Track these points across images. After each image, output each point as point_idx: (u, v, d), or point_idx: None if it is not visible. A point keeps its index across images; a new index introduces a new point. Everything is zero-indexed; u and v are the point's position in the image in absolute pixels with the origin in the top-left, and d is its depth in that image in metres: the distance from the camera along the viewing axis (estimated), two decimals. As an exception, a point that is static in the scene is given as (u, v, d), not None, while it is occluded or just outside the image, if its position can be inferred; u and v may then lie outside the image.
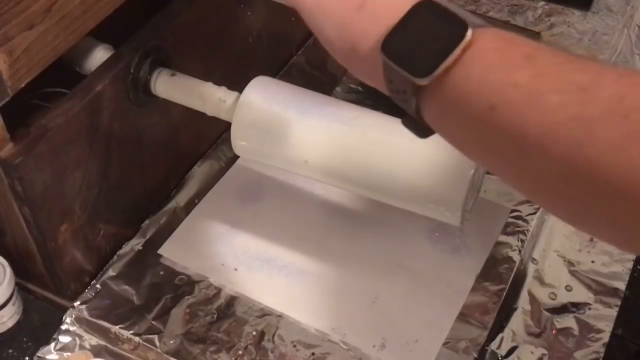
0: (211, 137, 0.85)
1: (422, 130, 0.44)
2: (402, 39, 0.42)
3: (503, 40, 0.40)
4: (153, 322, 0.70)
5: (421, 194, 0.63)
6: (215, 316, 0.71)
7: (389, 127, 0.64)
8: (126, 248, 0.76)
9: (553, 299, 0.75)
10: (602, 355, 0.70)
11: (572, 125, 0.35)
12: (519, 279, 0.76)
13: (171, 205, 0.80)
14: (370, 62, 0.44)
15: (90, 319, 0.70)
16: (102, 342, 0.70)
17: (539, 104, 0.37)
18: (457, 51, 0.39)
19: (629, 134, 0.34)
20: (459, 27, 0.40)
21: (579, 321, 0.73)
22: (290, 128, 0.65)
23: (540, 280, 0.76)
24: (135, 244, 0.76)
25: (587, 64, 0.37)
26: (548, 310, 0.74)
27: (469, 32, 0.39)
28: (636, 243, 0.38)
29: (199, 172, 0.83)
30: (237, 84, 0.68)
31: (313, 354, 0.69)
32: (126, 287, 0.73)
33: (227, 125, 0.68)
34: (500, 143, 0.39)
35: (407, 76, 0.41)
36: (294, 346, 0.69)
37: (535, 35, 0.92)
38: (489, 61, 0.39)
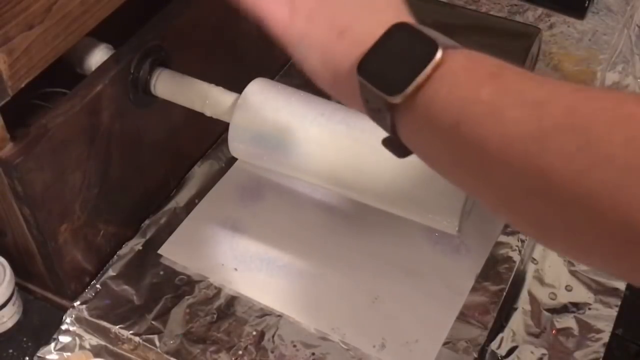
0: (211, 137, 0.85)
1: (399, 149, 0.46)
2: (376, 59, 0.43)
3: (472, 60, 0.42)
4: (153, 322, 0.70)
5: (418, 204, 0.63)
6: (215, 316, 0.71)
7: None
8: (126, 248, 0.76)
9: (553, 299, 0.75)
10: (602, 355, 0.70)
11: (527, 139, 0.37)
12: (519, 279, 0.76)
13: (171, 205, 0.80)
14: (349, 85, 0.45)
15: (90, 319, 0.70)
16: (102, 342, 0.70)
17: (499, 119, 0.38)
18: (428, 70, 0.41)
19: (578, 146, 0.35)
20: (430, 47, 0.41)
21: (579, 321, 0.73)
22: (288, 131, 0.65)
23: (540, 280, 0.76)
24: (135, 244, 0.76)
25: (547, 80, 0.39)
26: (548, 310, 0.74)
27: (439, 52, 0.41)
28: (595, 259, 0.39)
29: (199, 172, 0.83)
30: (237, 85, 0.68)
31: (313, 354, 0.69)
32: (126, 287, 0.73)
33: (227, 126, 0.68)
34: (465, 157, 0.41)
35: (380, 95, 0.42)
36: (294, 346, 0.69)
37: (536, 30, 0.92)
38: (457, 79, 0.41)
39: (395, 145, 0.46)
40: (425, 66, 0.41)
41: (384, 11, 0.46)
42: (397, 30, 0.43)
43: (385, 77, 0.42)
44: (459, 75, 0.41)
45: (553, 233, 0.39)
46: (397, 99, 0.42)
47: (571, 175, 0.35)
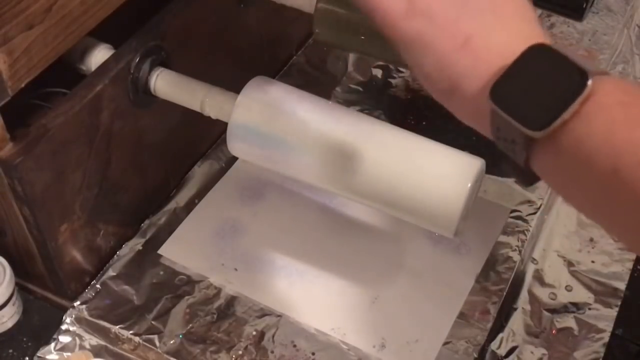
0: (211, 137, 0.85)
1: (528, 179, 0.42)
2: (513, 86, 0.39)
3: (626, 93, 0.37)
4: (153, 322, 0.70)
5: (416, 208, 0.63)
6: (215, 316, 0.71)
7: (386, 136, 0.64)
8: (126, 248, 0.76)
9: (553, 299, 0.75)
10: (602, 355, 0.70)
11: None
12: (519, 279, 0.76)
13: (171, 205, 0.80)
14: (473, 105, 0.41)
15: (90, 319, 0.70)
16: (102, 342, 0.70)
17: None
18: (576, 105, 0.36)
19: None
20: (578, 77, 0.37)
21: (579, 321, 0.73)
22: (287, 131, 0.65)
23: (540, 280, 0.76)
24: (135, 244, 0.76)
25: None
26: (548, 310, 0.74)
27: (589, 83, 0.36)
28: None
29: (199, 172, 0.83)
30: (237, 84, 0.68)
31: (313, 353, 0.69)
32: (126, 287, 0.73)
33: (226, 126, 0.68)
34: (624, 207, 0.36)
35: (518, 127, 0.38)
36: (294, 346, 0.69)
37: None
38: (612, 117, 0.36)
39: (525, 175, 0.41)
40: (574, 99, 0.36)
41: (514, 21, 0.41)
42: (536, 51, 0.39)
43: (525, 108, 0.38)
44: (615, 112, 0.36)
45: None
46: (538, 134, 0.37)
47: None
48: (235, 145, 0.68)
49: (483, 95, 0.39)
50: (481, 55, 0.40)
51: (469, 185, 0.60)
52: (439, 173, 0.61)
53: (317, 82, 0.93)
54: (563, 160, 0.38)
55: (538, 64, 0.38)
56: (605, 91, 0.37)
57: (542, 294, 0.75)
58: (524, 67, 0.39)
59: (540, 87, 0.38)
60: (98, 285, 0.72)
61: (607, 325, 0.72)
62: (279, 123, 0.65)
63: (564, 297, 0.75)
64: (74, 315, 0.70)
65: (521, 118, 0.38)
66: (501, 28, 0.41)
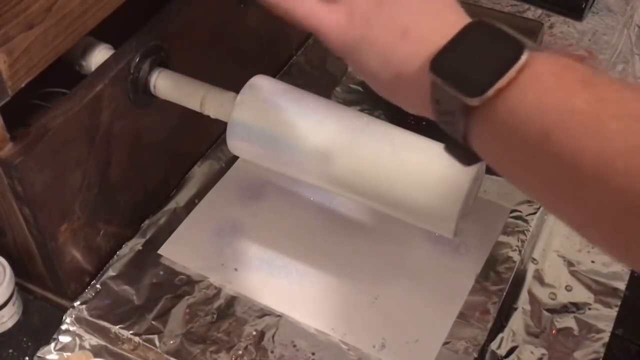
0: (211, 137, 0.85)
1: (466, 157, 0.43)
2: (453, 57, 0.40)
3: (560, 65, 0.38)
4: (153, 322, 0.70)
5: (415, 208, 0.63)
6: (215, 316, 0.71)
7: (386, 134, 0.64)
8: (126, 248, 0.76)
9: (553, 299, 0.75)
10: (602, 355, 0.70)
11: (629, 154, 0.34)
12: (519, 279, 0.76)
13: (171, 205, 0.80)
14: (415, 85, 0.42)
15: (90, 319, 0.70)
16: (102, 342, 0.70)
17: (597, 132, 0.35)
18: (512, 72, 0.38)
19: None
20: (515, 48, 0.38)
21: (579, 321, 0.73)
22: (286, 130, 0.65)
23: (540, 280, 0.76)
24: (135, 244, 0.76)
25: None
26: (548, 310, 0.74)
27: (525, 54, 0.38)
28: None
29: (199, 172, 0.83)
30: (237, 85, 0.68)
31: (313, 353, 0.69)
32: (126, 287, 0.73)
33: (226, 126, 0.68)
34: (554, 172, 0.37)
35: (457, 95, 0.39)
36: (294, 346, 0.69)
37: (539, 25, 0.92)
38: (545, 85, 0.38)
39: (463, 152, 0.43)
40: (509, 67, 0.38)
41: (443, 12, 0.44)
42: (475, 28, 0.41)
43: (463, 77, 0.39)
44: (548, 80, 0.38)
45: None
46: (475, 101, 0.39)
47: None
48: (235, 143, 0.68)
49: (424, 72, 0.41)
50: (420, 40, 0.43)
51: (468, 184, 0.60)
52: (438, 172, 0.61)
53: (317, 82, 0.93)
54: (498, 129, 0.39)
55: (476, 38, 0.40)
56: (540, 62, 0.38)
57: (542, 294, 0.75)
58: (462, 41, 0.41)
59: (478, 58, 0.39)
60: (98, 285, 0.72)
61: (607, 325, 0.72)
62: (279, 121, 0.65)
63: (564, 297, 0.75)
64: (74, 315, 0.70)
65: (460, 86, 0.39)
66: (434, 18, 0.44)
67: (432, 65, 0.41)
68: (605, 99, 0.36)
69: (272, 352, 0.69)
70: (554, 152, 0.36)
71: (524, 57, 0.38)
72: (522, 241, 0.77)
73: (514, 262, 0.76)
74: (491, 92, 0.38)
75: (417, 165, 0.62)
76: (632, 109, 0.35)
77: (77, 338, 0.70)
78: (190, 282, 0.74)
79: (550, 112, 0.37)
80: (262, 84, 0.68)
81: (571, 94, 0.37)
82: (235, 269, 0.75)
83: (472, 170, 0.60)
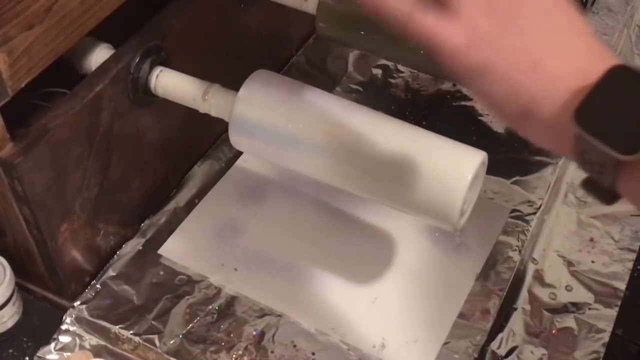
0: (211, 137, 0.85)
1: (609, 198, 0.41)
2: (597, 109, 0.38)
3: None
4: (153, 322, 0.70)
5: (417, 201, 0.63)
6: (215, 316, 0.71)
7: (388, 127, 0.64)
8: (126, 248, 0.76)
9: (553, 299, 0.75)
10: (602, 355, 0.70)
11: None
12: (519, 279, 0.76)
13: (171, 205, 0.80)
14: (551, 128, 0.41)
15: (90, 319, 0.70)
16: (102, 342, 0.70)
17: None
18: None
19: None
20: None
21: (579, 321, 0.73)
22: (288, 123, 0.65)
23: (540, 280, 0.76)
24: (135, 244, 0.76)
25: None
26: (548, 310, 0.74)
27: None
28: None
29: (199, 172, 0.83)
30: (237, 84, 0.68)
31: (313, 353, 0.69)
32: (126, 287, 0.73)
33: (227, 125, 0.68)
34: None
35: (607, 151, 0.38)
36: (294, 346, 0.69)
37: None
38: None
39: (606, 193, 0.41)
40: None
41: (572, 36, 0.42)
42: (617, 73, 0.38)
43: (612, 131, 0.37)
44: None
45: None
46: (629, 158, 0.37)
47: None
48: (237, 138, 0.68)
49: (562, 119, 0.39)
50: (555, 78, 0.40)
51: (471, 175, 0.60)
52: (442, 163, 0.61)
53: (317, 82, 0.93)
54: None
55: (620, 86, 0.38)
56: None
57: (542, 294, 0.75)
58: (606, 90, 0.38)
59: (627, 109, 0.38)
60: (98, 285, 0.72)
61: (607, 325, 0.72)
62: (281, 115, 0.65)
63: (564, 297, 0.75)
64: (74, 315, 0.70)
65: (609, 141, 0.37)
66: (567, 47, 0.41)
67: (576, 117, 0.38)
68: None
69: (272, 352, 0.69)
70: None
71: None
72: (522, 241, 0.77)
73: (514, 262, 0.76)
74: None
75: (421, 156, 0.62)
76: None
77: (77, 338, 0.70)
78: (190, 282, 0.74)
79: None
80: (264, 79, 0.67)
81: None
82: (235, 269, 0.75)
83: (475, 161, 0.60)
